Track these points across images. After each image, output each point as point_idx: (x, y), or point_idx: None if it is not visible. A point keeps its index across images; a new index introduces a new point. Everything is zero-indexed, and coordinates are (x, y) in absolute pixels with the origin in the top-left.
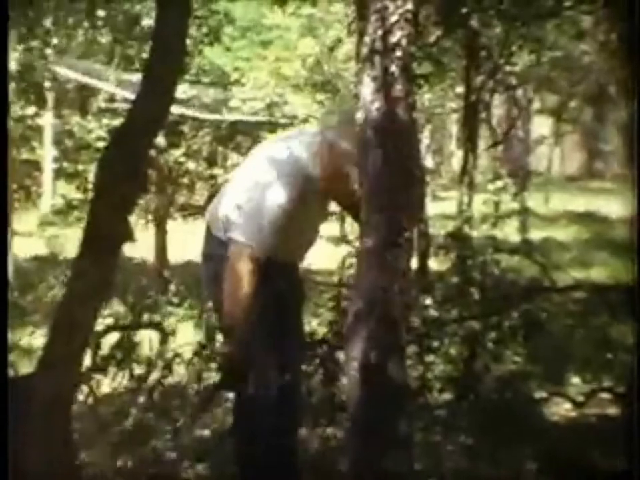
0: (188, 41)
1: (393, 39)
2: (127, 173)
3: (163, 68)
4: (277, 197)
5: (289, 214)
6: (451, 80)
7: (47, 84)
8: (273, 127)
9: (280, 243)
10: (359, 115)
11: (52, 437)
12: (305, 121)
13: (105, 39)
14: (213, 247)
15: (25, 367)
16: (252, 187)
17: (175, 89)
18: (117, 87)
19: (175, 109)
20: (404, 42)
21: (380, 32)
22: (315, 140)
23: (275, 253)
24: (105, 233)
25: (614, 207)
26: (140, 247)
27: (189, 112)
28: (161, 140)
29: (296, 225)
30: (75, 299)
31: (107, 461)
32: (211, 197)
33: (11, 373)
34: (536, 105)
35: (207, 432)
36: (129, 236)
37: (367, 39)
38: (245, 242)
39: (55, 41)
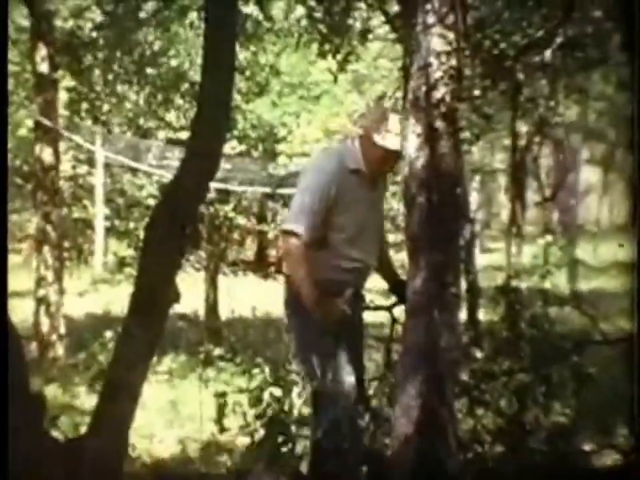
0: (236, 96)
1: (437, 95)
2: (174, 234)
3: (210, 126)
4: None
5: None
6: (498, 132)
7: (98, 142)
8: None
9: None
10: (404, 169)
11: None
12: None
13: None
14: (292, 290)
15: (77, 427)
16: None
17: (222, 146)
18: (167, 144)
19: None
20: (448, 98)
21: (424, 88)
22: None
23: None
24: (152, 295)
25: (635, 255)
26: (191, 303)
27: (227, 186)
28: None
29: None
30: (123, 362)
31: None
32: (261, 252)
33: (60, 434)
34: (584, 154)
35: None
36: (175, 297)
37: (410, 96)
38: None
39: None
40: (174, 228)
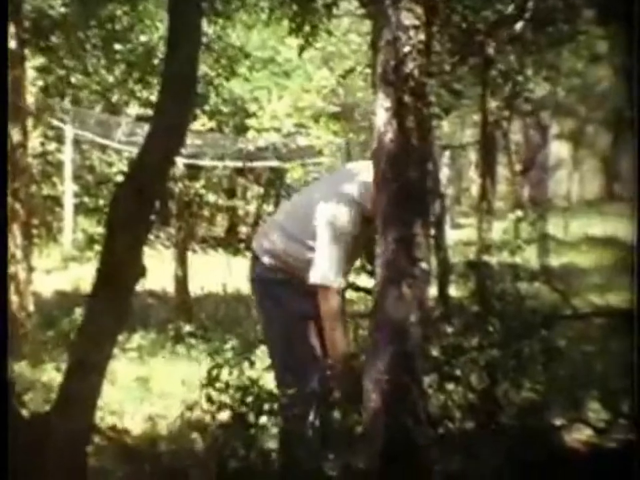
0: (206, 74)
1: (406, 69)
2: (140, 209)
3: (175, 100)
4: (346, 230)
5: (354, 245)
6: (468, 108)
7: (66, 119)
8: (290, 157)
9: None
10: (373, 145)
11: (67, 477)
12: (320, 152)
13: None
14: (261, 271)
15: (46, 404)
16: (319, 224)
17: (188, 121)
18: (136, 120)
19: (184, 159)
20: (417, 72)
21: (392, 63)
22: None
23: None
24: (118, 271)
25: (634, 230)
26: (160, 280)
27: (197, 161)
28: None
29: (353, 254)
30: (88, 338)
31: None
32: (231, 229)
33: (27, 411)
34: (554, 130)
35: None
36: (142, 273)
37: (379, 70)
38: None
39: (72, 79)
40: (139, 203)
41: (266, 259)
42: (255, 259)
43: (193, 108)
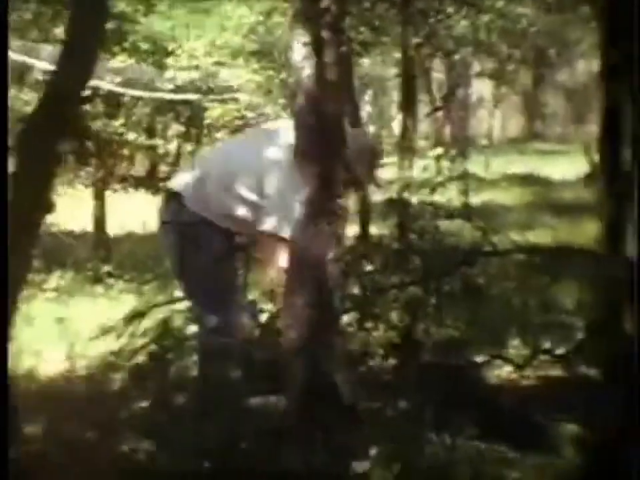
0: (124, 10)
1: (323, 3)
2: (48, 141)
3: (83, 32)
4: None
5: None
6: (389, 46)
7: None
8: (209, 95)
9: None
10: (291, 81)
11: None
12: (239, 90)
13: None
14: (180, 215)
15: None
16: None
17: (95, 56)
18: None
19: (105, 84)
20: (334, 7)
21: None
22: None
23: None
24: (25, 205)
25: (555, 168)
26: (79, 220)
27: (118, 88)
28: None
29: None
30: None
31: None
32: (153, 168)
33: None
34: (475, 68)
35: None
36: (49, 208)
37: (297, 5)
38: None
39: None
40: (48, 134)
41: (190, 202)
42: (171, 200)
43: (102, 41)
